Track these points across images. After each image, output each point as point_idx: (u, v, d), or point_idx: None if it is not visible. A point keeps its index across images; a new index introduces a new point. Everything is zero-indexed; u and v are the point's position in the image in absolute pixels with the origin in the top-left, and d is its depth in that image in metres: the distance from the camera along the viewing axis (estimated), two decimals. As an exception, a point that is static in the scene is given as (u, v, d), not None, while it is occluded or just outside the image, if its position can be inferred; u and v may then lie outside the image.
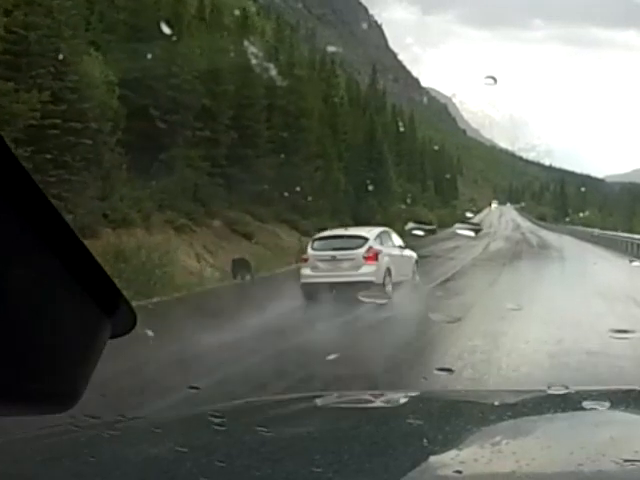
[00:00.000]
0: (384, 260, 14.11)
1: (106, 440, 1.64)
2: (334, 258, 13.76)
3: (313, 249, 14.44)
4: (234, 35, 29.82)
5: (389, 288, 13.63)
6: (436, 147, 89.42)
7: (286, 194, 31.28)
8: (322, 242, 14.71)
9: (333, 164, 34.83)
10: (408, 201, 47.20)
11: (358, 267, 13.64)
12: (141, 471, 1.42)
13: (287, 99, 30.68)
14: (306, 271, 13.98)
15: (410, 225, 32.07)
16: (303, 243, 27.69)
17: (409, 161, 61.53)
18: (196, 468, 1.35)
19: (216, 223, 25.37)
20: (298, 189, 31.29)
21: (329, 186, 32.86)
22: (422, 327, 9.33)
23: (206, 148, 25.11)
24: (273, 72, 30.12)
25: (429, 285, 15.26)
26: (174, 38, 26.84)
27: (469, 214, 45.54)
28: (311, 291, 12.98)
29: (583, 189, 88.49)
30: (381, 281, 13.62)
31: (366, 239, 14.42)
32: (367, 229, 16.08)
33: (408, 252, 16.09)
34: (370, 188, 39.97)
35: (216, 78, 25.68)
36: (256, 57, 29.79)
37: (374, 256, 13.97)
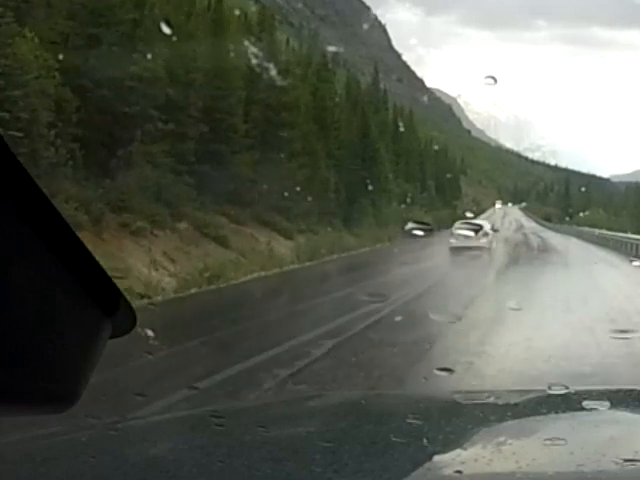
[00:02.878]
0: (489, 237, 28.83)
1: (106, 440, 1.64)
2: (466, 235, 27.03)
3: (456, 229, 28.48)
4: (207, 22, 26.72)
5: (491, 250, 28.04)
6: (436, 147, 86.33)
7: (266, 194, 28.22)
8: (460, 225, 29.57)
9: (320, 162, 32.20)
10: (406, 201, 43.87)
11: (479, 239, 27.97)
12: (141, 471, 1.42)
13: (268, 92, 27.46)
14: (452, 240, 27.76)
15: (410, 225, 33.31)
16: (274, 248, 24.90)
17: (408, 160, 58.60)
18: (196, 468, 1.36)
19: (183, 226, 22.47)
20: (280, 188, 28.26)
21: (316, 185, 29.96)
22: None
23: (171, 143, 22.27)
24: (252, 63, 27.11)
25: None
26: (137, 23, 23.77)
27: (469, 214, 43.10)
28: (455, 250, 26.45)
29: (583, 189, 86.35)
30: (489, 247, 28.23)
31: (482, 226, 29.58)
32: (480, 221, 33.94)
33: (496, 234, 31.53)
34: (363, 187, 36.77)
35: (184, 66, 22.64)
36: (233, 46, 26.70)
37: (486, 234, 28.77)
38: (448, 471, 1.31)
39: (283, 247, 27.98)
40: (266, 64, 30.91)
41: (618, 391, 2.07)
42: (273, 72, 29.40)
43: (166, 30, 25.80)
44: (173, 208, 23.86)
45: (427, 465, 1.38)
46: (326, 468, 1.31)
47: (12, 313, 0.72)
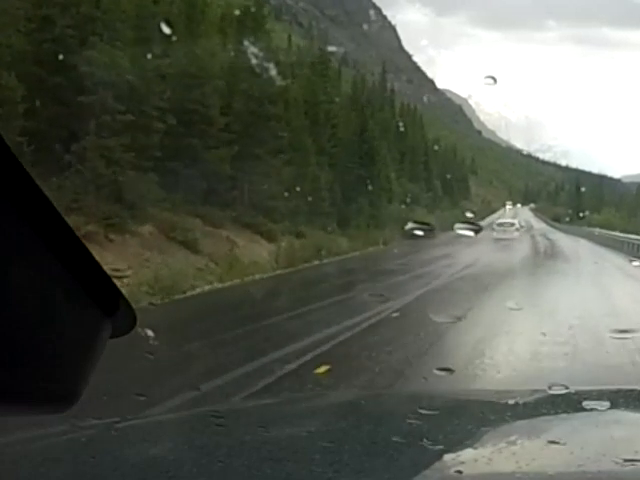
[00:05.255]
0: (519, 231, 45.02)
1: (106, 440, 1.66)
2: (505, 229, 42.22)
3: (497, 225, 44.44)
4: (181, 4, 23.70)
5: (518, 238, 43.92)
6: (444, 147, 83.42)
7: (249, 193, 25.27)
8: (500, 223, 46.02)
9: (310, 158, 29.46)
10: (406, 201, 41.08)
11: (512, 232, 42.16)
12: (141, 471, 1.43)
13: (251, 82, 24.42)
14: (494, 233, 39.21)
15: (409, 225, 30.12)
16: (235, 253, 21.92)
17: (413, 160, 55.84)
18: (196, 468, 1.37)
19: (147, 229, 19.61)
20: (264, 187, 25.23)
21: (307, 184, 27.12)
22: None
23: (132, 136, 19.03)
24: (235, 51, 24.03)
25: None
26: (97, 4, 20.97)
27: (469, 214, 47.34)
28: (496, 239, 36.42)
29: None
30: (518, 237, 41.81)
31: (514, 223, 46.72)
32: (512, 219, 52.90)
33: (521, 229, 49.06)
34: (361, 187, 34.22)
35: (150, 51, 19.62)
36: (211, 31, 23.72)
37: (518, 229, 45.57)
38: (448, 471, 1.34)
39: (266, 251, 25.03)
40: (250, 53, 27.79)
41: (618, 391, 2.08)
42: (258, 62, 26.35)
43: (130, 11, 22.74)
44: (136, 209, 20.83)
45: (427, 465, 1.40)
46: (326, 468, 1.32)
47: (12, 313, 0.73)
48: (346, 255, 29.75)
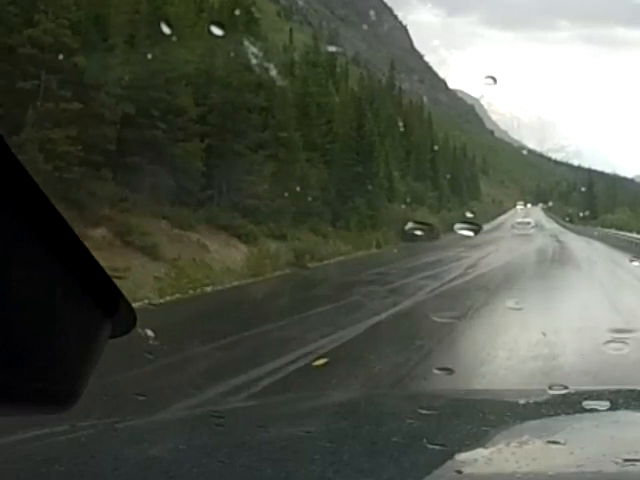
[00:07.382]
0: (534, 228, 60.26)
1: (106, 440, 1.62)
2: (523, 227, 57.15)
3: (517, 224, 61.78)
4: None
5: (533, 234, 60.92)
6: (454, 146, 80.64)
7: (227, 191, 22.49)
8: (518, 222, 62.65)
9: (298, 154, 26.44)
10: (407, 200, 38.37)
11: (529, 229, 56.58)
12: (141, 471, 1.41)
13: (228, 70, 21.51)
14: (514, 230, 55.61)
15: (409, 226, 27.34)
16: (226, 257, 19.23)
17: (419, 158, 53.22)
18: (196, 468, 1.35)
19: (99, 233, 16.82)
20: (245, 184, 22.51)
21: (295, 181, 24.08)
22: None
23: (80, 127, 16.25)
24: (212, 33, 21.19)
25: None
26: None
27: (469, 214, 45.12)
28: (516, 235, 50.46)
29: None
30: (533, 233, 56.22)
31: (530, 222, 63.20)
32: (528, 219, 68.46)
33: (535, 227, 68.25)
34: (359, 185, 31.71)
35: (102, 29, 16.76)
36: (179, 10, 20.87)
37: (533, 227, 62.54)
38: (448, 471, 1.32)
39: (241, 256, 22.17)
40: (231, 38, 24.82)
41: (618, 391, 2.05)
42: (241, 47, 23.39)
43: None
44: (86, 210, 18.08)
45: (427, 465, 1.38)
46: (326, 468, 1.32)
47: (12, 313, 0.72)
48: (328, 260, 27.09)
